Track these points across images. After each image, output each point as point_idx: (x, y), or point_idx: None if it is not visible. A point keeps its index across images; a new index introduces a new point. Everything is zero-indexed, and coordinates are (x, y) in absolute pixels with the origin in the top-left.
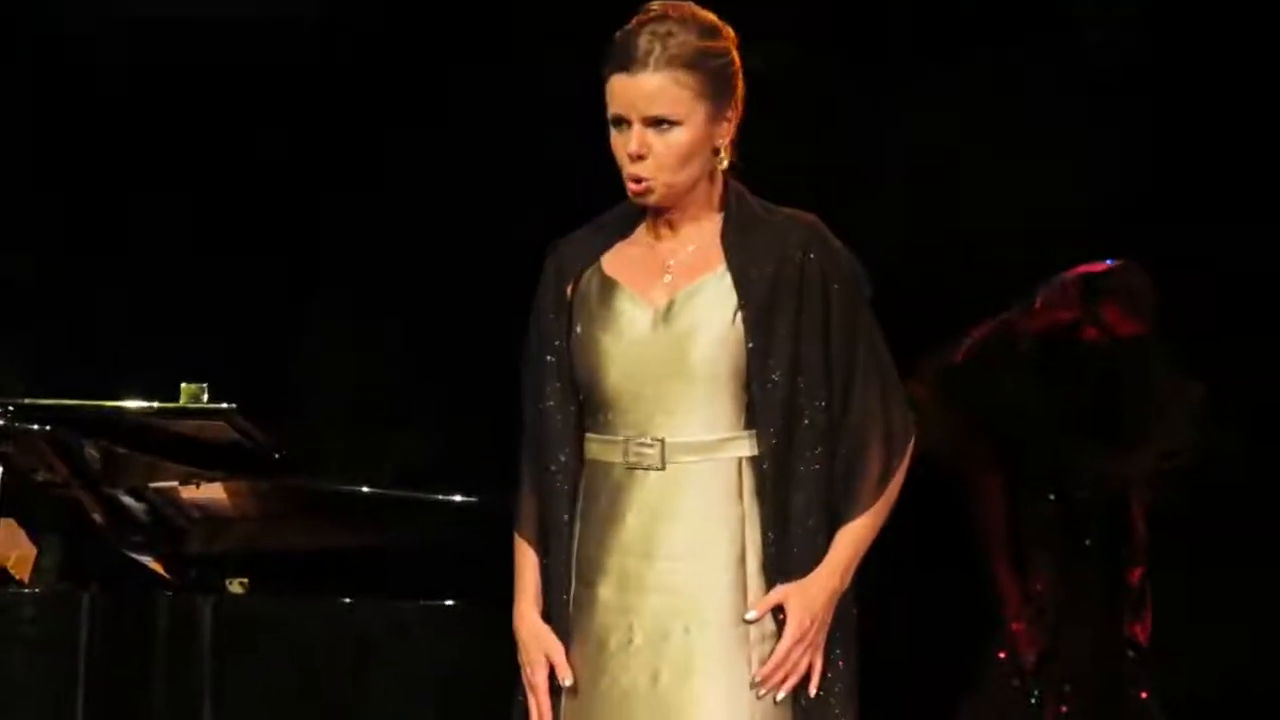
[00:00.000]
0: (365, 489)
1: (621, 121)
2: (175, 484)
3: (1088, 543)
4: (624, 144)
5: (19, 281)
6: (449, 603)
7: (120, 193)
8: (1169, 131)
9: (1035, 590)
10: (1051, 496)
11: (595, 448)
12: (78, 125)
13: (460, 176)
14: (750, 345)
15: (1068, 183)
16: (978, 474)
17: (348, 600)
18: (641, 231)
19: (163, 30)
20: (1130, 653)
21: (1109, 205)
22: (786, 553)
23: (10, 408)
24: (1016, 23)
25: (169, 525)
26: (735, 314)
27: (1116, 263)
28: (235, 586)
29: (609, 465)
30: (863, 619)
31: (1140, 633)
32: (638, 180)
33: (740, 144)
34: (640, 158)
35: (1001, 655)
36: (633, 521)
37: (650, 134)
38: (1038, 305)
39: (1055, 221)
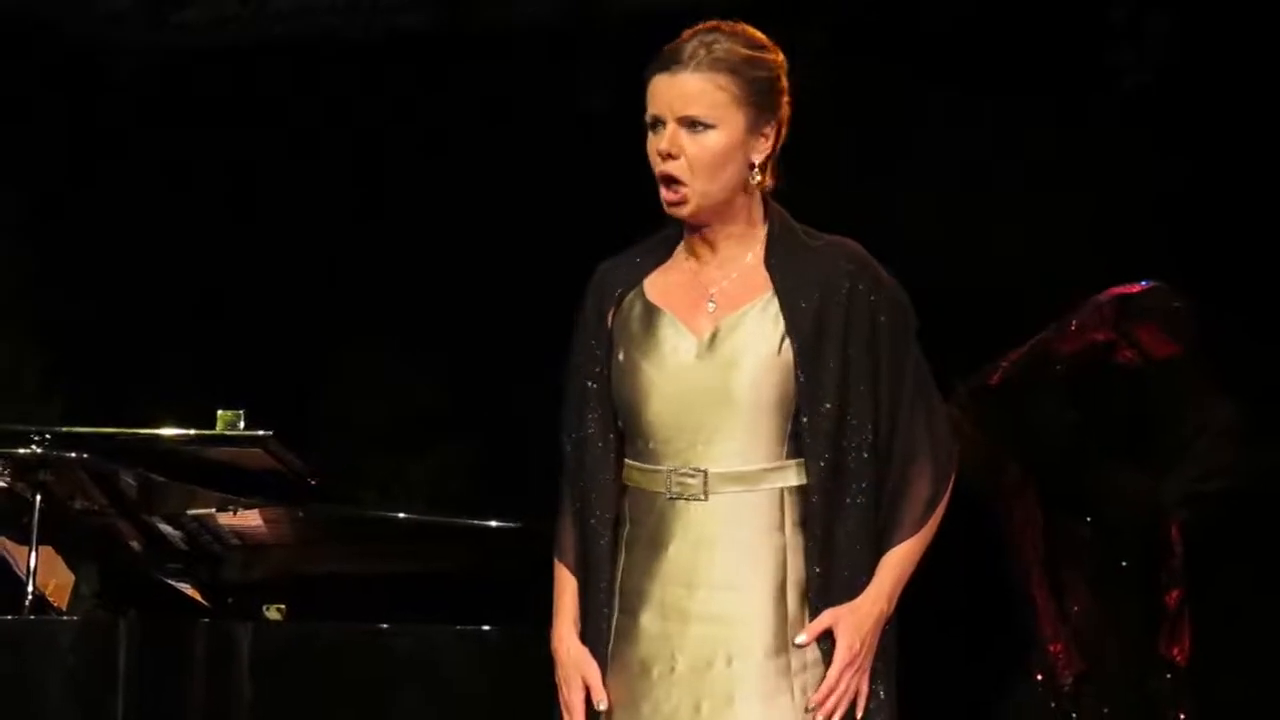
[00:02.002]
0: (400, 515)
1: (658, 122)
2: (212, 511)
3: (1124, 564)
4: (657, 144)
5: (57, 310)
6: (484, 628)
7: (156, 222)
8: (1202, 151)
9: (1072, 612)
10: (1088, 518)
11: (637, 476)
12: (116, 154)
13: (495, 201)
14: (800, 377)
15: (1101, 203)
16: (1013, 496)
17: (383, 626)
18: (682, 255)
19: (213, 60)
20: (1167, 674)
21: (1143, 226)
22: (831, 584)
23: (48, 436)
24: (1048, 46)
25: (205, 552)
26: (781, 342)
27: (1151, 284)
28: (272, 613)
29: (652, 494)
30: (901, 644)
31: (1178, 654)
32: (670, 185)
33: (785, 171)
34: (671, 156)
35: (1038, 677)
36: (675, 551)
37: (684, 134)
38: (1072, 327)
39: (1089, 242)
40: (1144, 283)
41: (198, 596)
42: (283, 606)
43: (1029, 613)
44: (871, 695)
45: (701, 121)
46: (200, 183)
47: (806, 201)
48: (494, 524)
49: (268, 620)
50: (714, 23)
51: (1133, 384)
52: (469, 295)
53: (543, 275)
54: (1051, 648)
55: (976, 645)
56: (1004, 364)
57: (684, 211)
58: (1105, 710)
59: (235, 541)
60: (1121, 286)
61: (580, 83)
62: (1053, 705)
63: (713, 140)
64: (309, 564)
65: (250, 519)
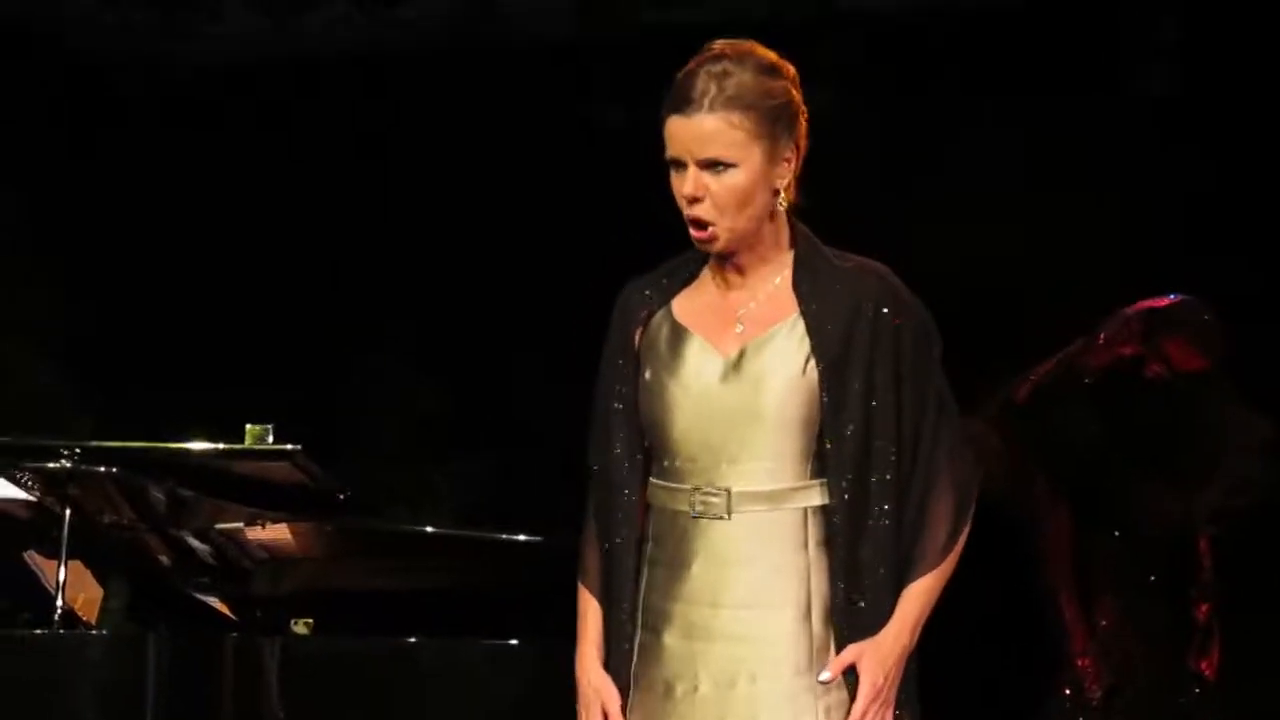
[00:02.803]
0: (428, 529)
1: (679, 163)
2: (240, 525)
3: (1153, 579)
4: (681, 186)
5: (87, 327)
6: (512, 642)
7: (187, 238)
8: (1229, 158)
9: (1100, 626)
10: (1116, 533)
11: (662, 495)
12: (146, 170)
13: (522, 215)
14: (825, 399)
15: (1129, 216)
16: (1042, 510)
17: (411, 640)
18: (710, 275)
19: (230, 72)
20: (1196, 688)
21: (1171, 239)
22: (855, 605)
23: (77, 450)
24: (1068, 59)
25: (234, 566)
26: (806, 363)
27: (1179, 297)
28: (300, 627)
29: (675, 513)
30: (929, 659)
31: (1207, 668)
32: (699, 226)
33: (804, 185)
34: (696, 200)
35: (1067, 691)
36: (698, 570)
37: (706, 176)
38: (1100, 341)
39: (1117, 256)
40: (1172, 296)
41: (226, 611)
42: (310, 621)
43: (1057, 627)
44: None
45: (722, 161)
46: (232, 199)
47: (833, 212)
48: (521, 538)
49: (295, 635)
50: (719, 48)
51: (1161, 398)
52: (498, 310)
53: (569, 288)
54: (1080, 662)
55: (1005, 659)
56: (1032, 377)
57: (716, 248)
58: None
59: (263, 556)
60: (1150, 300)
61: (595, 94)
62: (1081, 719)
63: (735, 179)
64: (336, 578)
65: (278, 533)
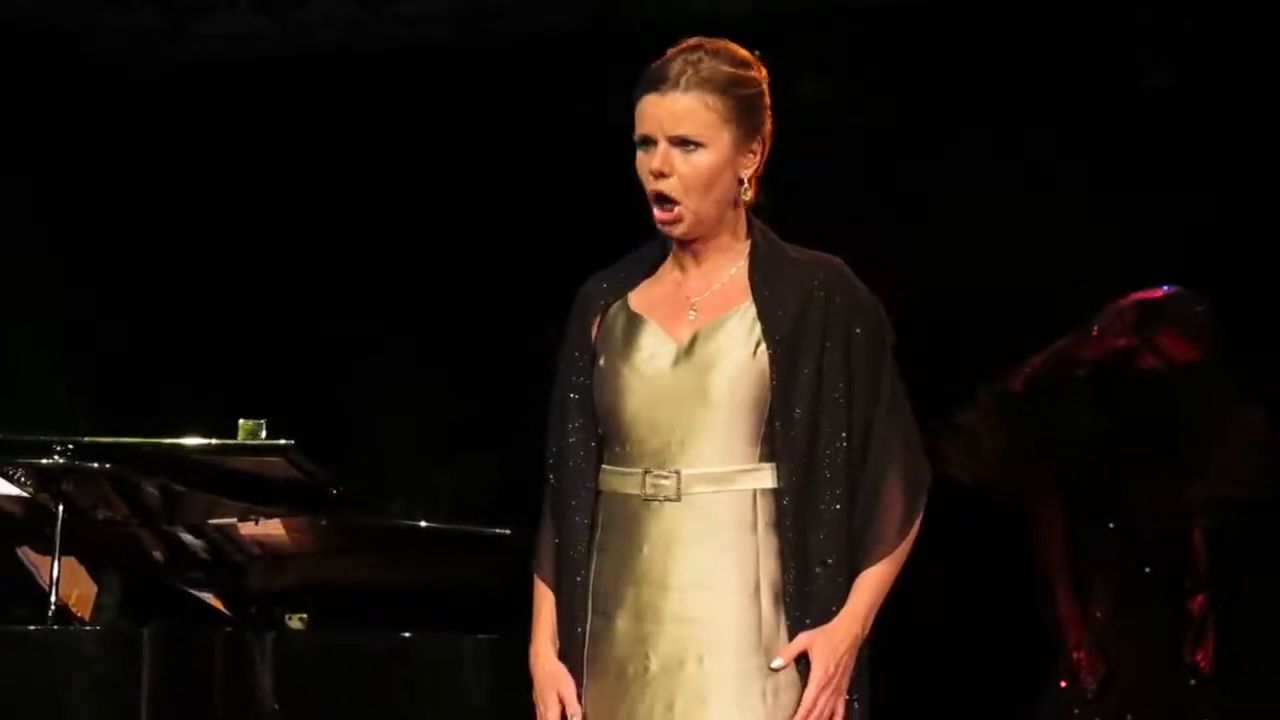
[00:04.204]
0: (422, 524)
1: (648, 141)
2: (234, 521)
3: (1148, 570)
4: (649, 163)
5: (80, 321)
6: (505, 638)
7: (181, 232)
8: (1225, 154)
9: (1095, 618)
10: (1111, 524)
11: (613, 480)
12: (141, 166)
13: (524, 209)
14: (774, 382)
15: (1123, 209)
16: (1037, 502)
17: (406, 635)
18: (668, 266)
19: (244, 73)
20: (1192, 680)
21: (1165, 231)
22: (806, 589)
23: (70, 446)
24: (1070, 48)
25: (228, 562)
26: (757, 347)
27: (1172, 289)
28: (294, 622)
29: (626, 497)
30: (924, 651)
31: (1202, 660)
32: (664, 204)
33: (766, 184)
34: (663, 175)
35: (1062, 684)
36: (649, 552)
37: (675, 154)
38: (1094, 333)
39: (1112, 248)
40: (1165, 288)
41: (220, 606)
42: (305, 616)
43: (1052, 618)
44: (847, 706)
45: (692, 140)
46: (222, 192)
47: (827, 208)
48: (516, 533)
49: (290, 630)
50: (698, 40)
51: (1156, 390)
52: (494, 303)
53: (571, 284)
54: (1075, 653)
55: (999, 650)
56: (1026, 369)
57: (678, 230)
58: (1129, 716)
59: (257, 551)
60: (1142, 292)
61: (609, 91)
62: (1076, 712)
63: (703, 159)
64: (331, 573)
65: (272, 528)
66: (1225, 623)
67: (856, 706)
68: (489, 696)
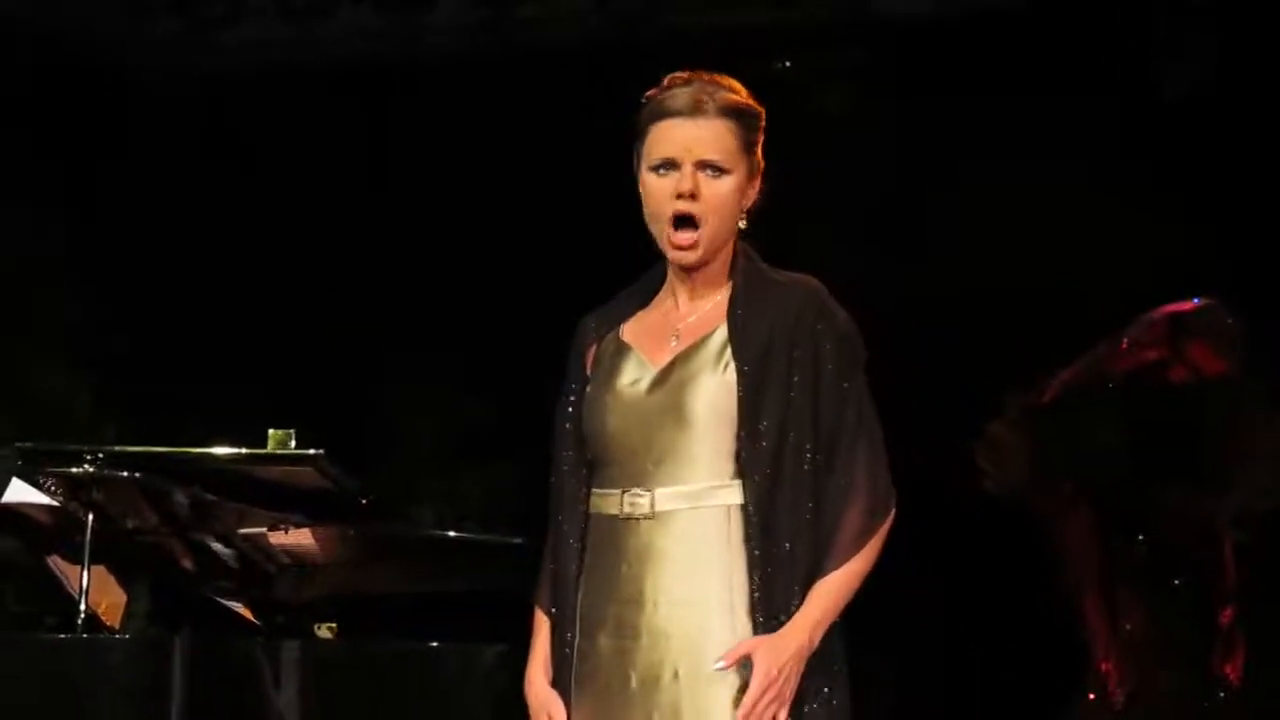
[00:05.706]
0: (451, 534)
1: (671, 165)
2: (263, 530)
3: (1177, 583)
4: (671, 186)
5: (111, 332)
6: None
7: (210, 242)
8: (1252, 167)
9: (1125, 630)
10: (1140, 537)
11: (599, 502)
12: (166, 178)
13: (551, 220)
14: (740, 394)
15: (1153, 219)
16: (1066, 514)
17: (434, 644)
18: (662, 296)
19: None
20: (1221, 693)
21: (1195, 242)
22: (772, 600)
23: (100, 455)
24: (1094, 56)
25: (257, 571)
26: (727, 365)
27: (1203, 301)
28: (323, 631)
29: (609, 518)
30: (954, 664)
31: (1231, 673)
32: (687, 226)
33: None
34: (693, 197)
35: (1090, 696)
36: (626, 570)
37: (701, 178)
38: (1125, 345)
39: (1141, 259)
40: (1196, 300)
41: (249, 615)
42: (334, 625)
43: (1081, 631)
44: (821, 699)
45: (718, 166)
46: (250, 201)
47: (853, 213)
48: (542, 543)
49: (319, 639)
50: (698, 73)
51: (1186, 402)
52: (523, 313)
53: (597, 294)
54: (1104, 666)
55: (1029, 663)
56: (1056, 381)
57: (694, 256)
58: None
59: (286, 560)
60: (1174, 304)
61: (633, 101)
62: None
63: (726, 185)
64: (360, 583)
65: (301, 538)
66: (1254, 636)
67: (834, 704)
68: (515, 706)
